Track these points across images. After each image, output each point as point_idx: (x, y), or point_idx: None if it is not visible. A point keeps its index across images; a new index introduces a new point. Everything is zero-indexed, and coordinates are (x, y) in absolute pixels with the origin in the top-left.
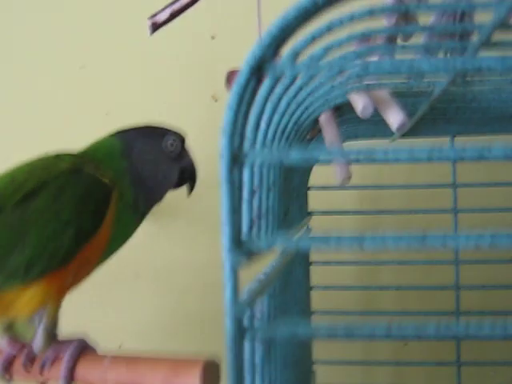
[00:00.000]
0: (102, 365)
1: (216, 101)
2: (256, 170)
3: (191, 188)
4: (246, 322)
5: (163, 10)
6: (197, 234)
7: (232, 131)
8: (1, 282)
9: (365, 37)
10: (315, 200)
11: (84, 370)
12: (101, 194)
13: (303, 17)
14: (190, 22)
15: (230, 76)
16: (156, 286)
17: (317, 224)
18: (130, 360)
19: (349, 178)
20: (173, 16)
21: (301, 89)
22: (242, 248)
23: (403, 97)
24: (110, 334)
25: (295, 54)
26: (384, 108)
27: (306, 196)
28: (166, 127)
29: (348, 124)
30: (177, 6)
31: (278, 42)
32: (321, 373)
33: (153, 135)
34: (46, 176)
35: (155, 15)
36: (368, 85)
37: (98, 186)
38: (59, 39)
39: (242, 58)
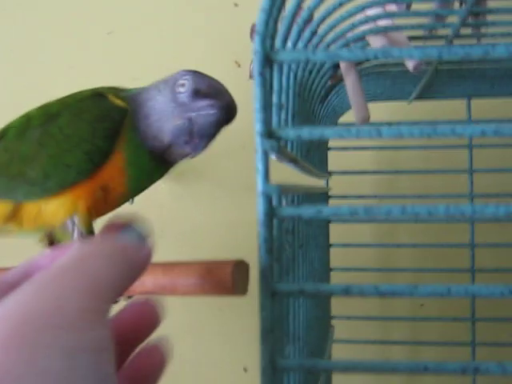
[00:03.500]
0: None
1: (239, 66)
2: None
3: (198, 146)
4: (275, 201)
5: None
6: (221, 195)
7: (264, 32)
8: (25, 192)
9: None
10: (335, 161)
11: None
12: (117, 115)
13: None
14: None
15: (254, 29)
16: (180, 245)
17: (335, 184)
18: (166, 265)
19: (368, 117)
20: None
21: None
22: (272, 136)
23: (420, 40)
24: None
25: None
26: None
27: (326, 156)
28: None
29: (366, 80)
30: None
31: None
32: (339, 328)
33: (170, 77)
34: (70, 100)
35: None
36: (386, 27)
37: (114, 108)
38: (87, 5)
39: None
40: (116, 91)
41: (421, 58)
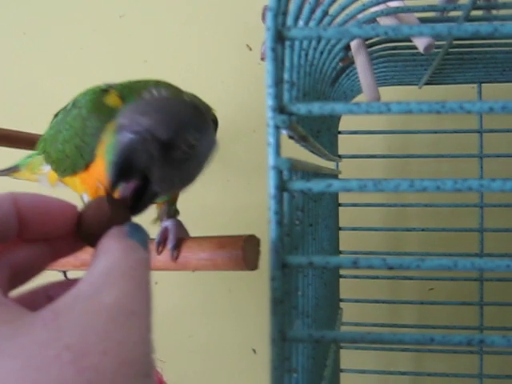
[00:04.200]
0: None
1: (250, 49)
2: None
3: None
4: (285, 175)
5: None
6: (231, 178)
7: (276, 9)
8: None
9: None
10: (345, 145)
11: None
12: (104, 116)
13: None
14: None
15: (266, 11)
16: (191, 227)
17: (346, 168)
18: (178, 239)
19: (378, 98)
20: None
21: None
22: (283, 111)
23: (430, 22)
24: None
25: None
26: None
27: (336, 139)
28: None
29: (377, 64)
30: None
31: None
32: (347, 311)
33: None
34: (88, 92)
35: None
36: (396, 8)
37: (105, 107)
38: None
39: None
40: (126, 90)
41: (431, 34)
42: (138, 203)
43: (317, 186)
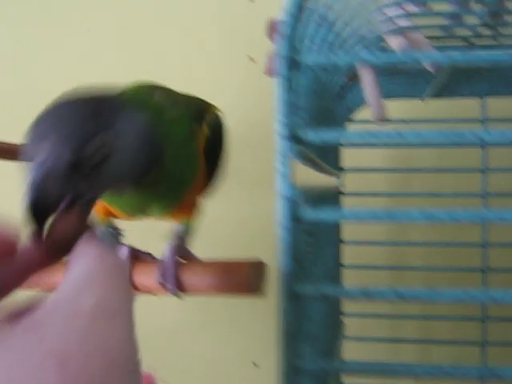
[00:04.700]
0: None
1: (253, 61)
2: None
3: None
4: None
5: None
6: (234, 190)
7: (292, 36)
8: None
9: None
10: (347, 157)
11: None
12: None
13: None
14: None
15: (272, 26)
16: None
17: (348, 181)
18: (183, 264)
19: (385, 116)
20: None
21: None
22: (295, 139)
23: (438, 40)
24: None
25: None
26: (419, 48)
27: (338, 152)
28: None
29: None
30: None
31: None
32: (349, 325)
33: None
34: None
35: None
36: (404, 27)
37: None
38: None
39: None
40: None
41: (447, 63)
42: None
43: (330, 215)
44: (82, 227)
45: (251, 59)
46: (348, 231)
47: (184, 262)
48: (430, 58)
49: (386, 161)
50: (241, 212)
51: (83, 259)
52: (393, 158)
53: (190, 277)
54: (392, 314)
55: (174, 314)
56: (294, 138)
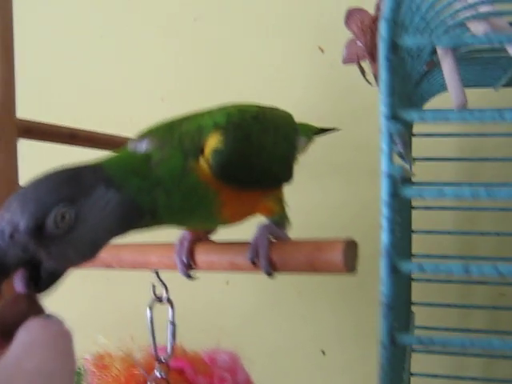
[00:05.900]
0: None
1: (322, 52)
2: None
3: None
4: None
5: None
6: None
7: (392, 19)
8: None
9: None
10: (418, 147)
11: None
12: None
13: None
14: None
15: (350, 14)
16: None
17: (418, 171)
18: (276, 243)
19: (466, 102)
20: None
21: None
22: (397, 118)
23: None
24: None
25: None
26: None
27: (410, 142)
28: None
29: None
30: None
31: None
32: (419, 315)
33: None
34: None
35: None
36: (488, 13)
37: None
38: None
39: None
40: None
41: None
42: (41, 282)
43: (430, 193)
44: (31, 312)
45: (321, 50)
46: (418, 220)
47: (275, 241)
48: None
49: (456, 151)
50: (334, 201)
51: (28, 330)
52: (463, 147)
53: (282, 255)
54: (461, 304)
55: (245, 300)
56: (397, 118)
